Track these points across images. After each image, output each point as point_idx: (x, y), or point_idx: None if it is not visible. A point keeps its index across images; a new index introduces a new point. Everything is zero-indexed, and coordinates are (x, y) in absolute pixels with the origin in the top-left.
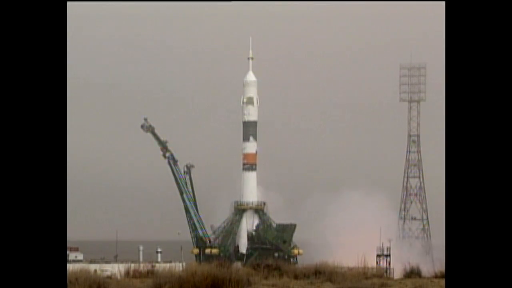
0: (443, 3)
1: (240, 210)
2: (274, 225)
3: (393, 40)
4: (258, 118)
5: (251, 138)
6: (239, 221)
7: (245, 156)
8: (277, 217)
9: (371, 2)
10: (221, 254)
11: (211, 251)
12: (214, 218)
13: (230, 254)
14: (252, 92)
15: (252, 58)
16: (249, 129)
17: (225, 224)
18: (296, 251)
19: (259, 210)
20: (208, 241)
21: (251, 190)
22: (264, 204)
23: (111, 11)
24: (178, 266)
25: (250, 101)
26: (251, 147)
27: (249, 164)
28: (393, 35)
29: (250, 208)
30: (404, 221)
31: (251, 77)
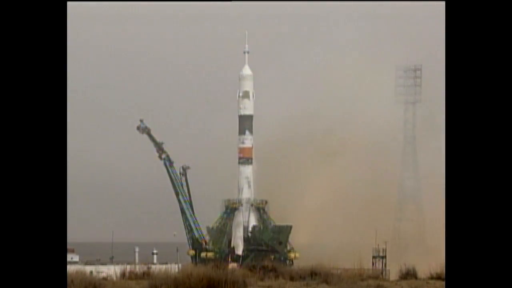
0: (443, 3)
1: (233, 209)
2: (272, 224)
3: (390, 41)
4: (254, 112)
5: (247, 132)
6: (234, 220)
7: (241, 150)
8: (274, 215)
9: (369, 2)
10: (217, 256)
11: (206, 255)
12: (210, 220)
13: (226, 255)
14: (248, 86)
15: (248, 52)
16: (245, 123)
17: (220, 224)
18: (292, 255)
19: (260, 208)
20: (204, 243)
21: (248, 186)
22: (266, 202)
23: (108, 11)
24: (174, 268)
25: (246, 95)
26: (247, 141)
27: (245, 158)
28: (390, 36)
29: (247, 203)
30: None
31: (247, 71)
